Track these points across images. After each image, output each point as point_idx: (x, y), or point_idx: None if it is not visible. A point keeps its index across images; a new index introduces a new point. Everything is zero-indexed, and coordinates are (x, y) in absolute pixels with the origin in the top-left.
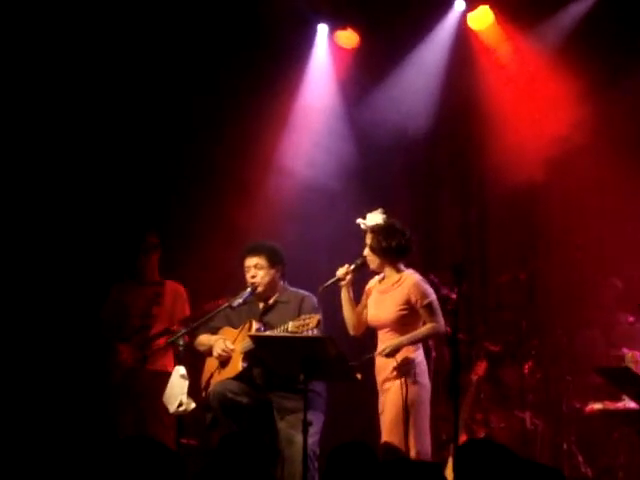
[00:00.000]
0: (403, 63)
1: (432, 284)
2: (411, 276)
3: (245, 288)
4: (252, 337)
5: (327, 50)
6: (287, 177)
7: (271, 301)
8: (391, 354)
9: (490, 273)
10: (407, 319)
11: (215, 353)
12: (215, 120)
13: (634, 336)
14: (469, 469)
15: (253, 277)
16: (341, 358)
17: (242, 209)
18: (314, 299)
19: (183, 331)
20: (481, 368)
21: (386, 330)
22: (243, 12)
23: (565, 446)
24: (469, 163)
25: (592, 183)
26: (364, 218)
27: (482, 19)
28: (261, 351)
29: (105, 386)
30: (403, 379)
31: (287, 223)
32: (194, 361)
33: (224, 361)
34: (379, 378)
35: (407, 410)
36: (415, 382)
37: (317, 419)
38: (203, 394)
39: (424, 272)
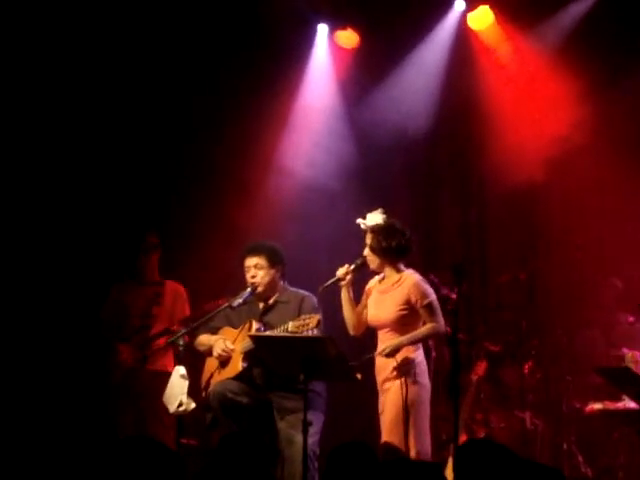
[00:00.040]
0: (403, 63)
1: (432, 284)
2: (411, 276)
3: (245, 288)
4: (252, 337)
5: (327, 50)
6: (287, 177)
7: (271, 301)
8: (391, 354)
9: (490, 273)
10: (407, 319)
11: (215, 353)
12: (215, 120)
13: (634, 336)
14: (469, 469)
15: (253, 277)
16: (341, 358)
17: (242, 209)
18: (314, 299)
19: (183, 331)
20: (481, 368)
21: (386, 330)
22: (243, 12)
23: (565, 446)
24: (469, 163)
25: (592, 183)
26: (364, 218)
27: (482, 19)
28: (261, 351)
29: (105, 386)
30: (403, 379)
31: (287, 223)
32: (194, 361)
33: (224, 361)
34: (379, 378)
35: (407, 410)
36: (415, 382)
37: (317, 419)
38: (203, 394)
39: (424, 272)
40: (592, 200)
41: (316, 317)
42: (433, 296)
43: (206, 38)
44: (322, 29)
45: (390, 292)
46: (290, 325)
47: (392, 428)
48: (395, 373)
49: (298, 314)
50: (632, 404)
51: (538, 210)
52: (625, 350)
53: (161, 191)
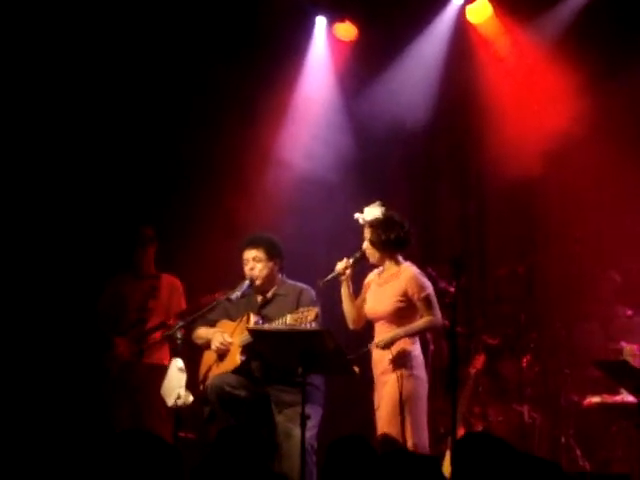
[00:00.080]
0: (402, 56)
1: (430, 277)
2: (409, 269)
3: (243, 281)
4: (250, 330)
5: (325, 43)
6: (285, 169)
7: (269, 294)
8: (386, 346)
9: (488, 266)
10: (404, 311)
11: (213, 346)
12: (213, 113)
13: (632, 329)
14: (467, 462)
15: (251, 269)
16: (339, 351)
17: (240, 201)
18: (312, 292)
19: (180, 324)
20: (479, 361)
21: (383, 322)
22: (241, 5)
23: (563, 439)
24: (467, 156)
25: (591, 176)
26: (362, 212)
27: (481, 12)
28: (259, 344)
29: (102, 380)
30: (399, 372)
31: (285, 215)
32: (192, 354)
33: (222, 354)
34: (376, 371)
35: (404, 403)
36: (411, 375)
37: (315, 412)
38: (201, 387)
39: (422, 265)
40: (591, 193)
41: (314, 310)
42: (430, 289)
43: (205, 31)
44: (320, 21)
45: (388, 284)
46: (288, 318)
47: (389, 421)
48: (392, 366)
49: (296, 307)
50: (630, 397)
51: (536, 203)
52: (623, 343)
53: (159, 184)
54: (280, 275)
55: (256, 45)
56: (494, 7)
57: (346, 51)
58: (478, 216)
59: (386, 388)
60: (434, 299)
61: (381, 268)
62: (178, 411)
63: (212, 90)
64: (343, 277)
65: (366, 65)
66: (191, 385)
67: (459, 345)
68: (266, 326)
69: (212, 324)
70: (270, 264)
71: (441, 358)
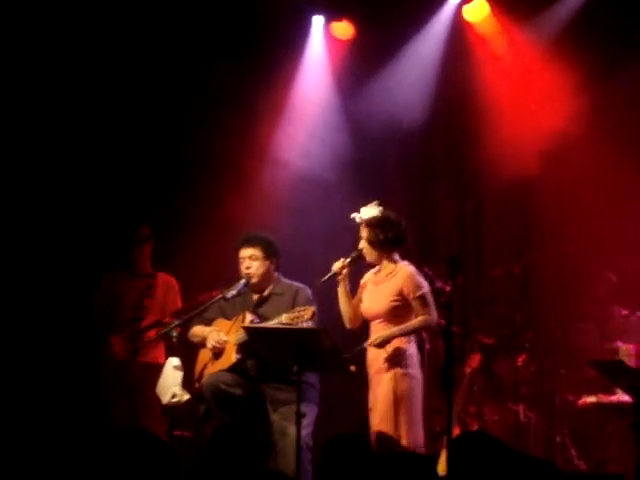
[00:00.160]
0: (399, 55)
1: (426, 276)
2: (405, 268)
3: (239, 279)
4: (246, 329)
5: (322, 42)
6: (282, 168)
7: (265, 293)
8: (381, 345)
9: (485, 266)
10: (399, 310)
11: (209, 344)
12: (210, 112)
13: (628, 329)
14: (462, 461)
15: (248, 268)
16: (335, 350)
17: (236, 200)
18: (308, 291)
19: (175, 323)
20: (475, 361)
21: (379, 321)
22: (239, 3)
23: (558, 439)
24: (464, 155)
25: (587, 176)
26: (358, 212)
27: (478, 11)
28: (255, 343)
29: (97, 378)
30: (394, 371)
31: (282, 214)
32: (188, 352)
33: (218, 353)
34: (371, 370)
35: (398, 402)
36: (406, 374)
37: (310, 411)
38: (196, 385)
39: (419, 264)
40: (587, 193)
41: (310, 309)
42: (426, 288)
43: (202, 30)
44: (317, 20)
45: (384, 283)
46: (284, 317)
47: (383, 420)
48: (386, 365)
49: (292, 306)
50: (625, 397)
51: (533, 203)
52: (619, 343)
53: (155, 183)
54: (276, 274)
55: (253, 44)
56: (491, 6)
57: (343, 50)
58: (475, 216)
59: (381, 387)
60: (430, 298)
61: (378, 267)
62: (173, 409)
63: (209, 89)
64: (340, 277)
65: (363, 64)
66: (186, 383)
67: (455, 344)
68: (262, 325)
69: (208, 323)
70: (266, 263)
71: (437, 357)
